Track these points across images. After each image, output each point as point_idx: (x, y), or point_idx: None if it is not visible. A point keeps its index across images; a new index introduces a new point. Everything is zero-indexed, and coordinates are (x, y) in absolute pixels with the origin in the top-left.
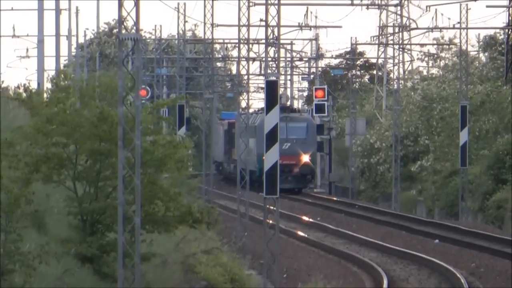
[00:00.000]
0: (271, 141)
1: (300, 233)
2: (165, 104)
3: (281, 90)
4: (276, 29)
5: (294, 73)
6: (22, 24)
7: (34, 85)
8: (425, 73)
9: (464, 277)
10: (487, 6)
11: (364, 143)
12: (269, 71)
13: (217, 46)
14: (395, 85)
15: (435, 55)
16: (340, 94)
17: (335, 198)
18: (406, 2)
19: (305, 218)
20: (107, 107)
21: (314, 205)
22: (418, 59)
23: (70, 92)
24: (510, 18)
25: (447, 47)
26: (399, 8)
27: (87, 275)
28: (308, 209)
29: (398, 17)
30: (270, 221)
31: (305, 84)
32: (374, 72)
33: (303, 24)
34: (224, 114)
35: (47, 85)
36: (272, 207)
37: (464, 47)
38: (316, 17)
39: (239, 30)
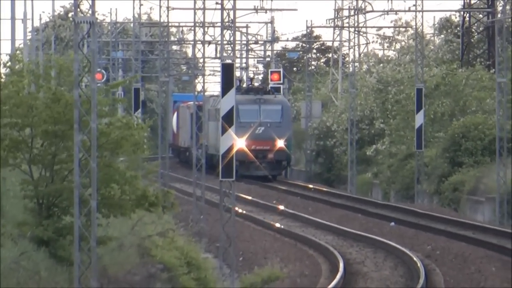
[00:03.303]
0: (226, 124)
1: (257, 217)
2: (119, 85)
3: (246, 73)
4: (231, 12)
5: (250, 56)
6: None
7: None
8: (380, 56)
9: (420, 259)
10: None
11: (320, 126)
12: (224, 54)
13: (173, 29)
14: (351, 68)
15: (391, 38)
16: (296, 77)
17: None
18: None
19: (261, 201)
20: (59, 88)
21: (270, 188)
22: (373, 42)
23: (23, 75)
24: (465, 0)
25: (403, 29)
26: None
27: (43, 258)
28: (265, 192)
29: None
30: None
31: (261, 67)
32: (330, 55)
33: (259, 7)
34: (175, 95)
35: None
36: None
37: (420, 30)
38: (271, 0)
39: (195, 13)
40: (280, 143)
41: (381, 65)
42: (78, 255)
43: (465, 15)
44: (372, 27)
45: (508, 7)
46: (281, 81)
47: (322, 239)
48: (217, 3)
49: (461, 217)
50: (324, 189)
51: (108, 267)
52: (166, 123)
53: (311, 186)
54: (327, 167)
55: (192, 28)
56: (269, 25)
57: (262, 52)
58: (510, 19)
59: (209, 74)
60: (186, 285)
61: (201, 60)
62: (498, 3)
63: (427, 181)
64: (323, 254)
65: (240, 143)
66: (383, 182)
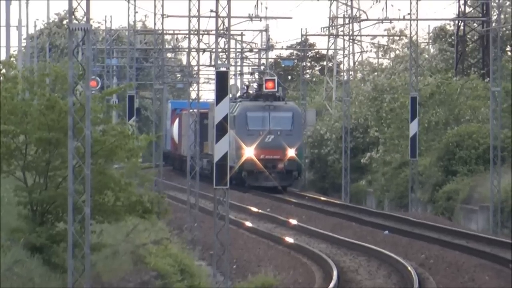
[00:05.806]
0: (221, 132)
1: (250, 224)
2: (114, 92)
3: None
4: (226, 20)
5: (244, 64)
6: None
7: None
8: (375, 64)
9: (413, 268)
10: None
11: (314, 134)
12: (219, 62)
13: (168, 37)
14: (345, 76)
15: (386, 46)
16: (291, 85)
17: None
18: None
19: (254, 209)
20: (54, 95)
21: (264, 196)
22: (369, 51)
23: (17, 81)
24: (460, 9)
25: (398, 38)
26: None
27: (36, 265)
28: (258, 200)
29: (349, 8)
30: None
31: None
32: (325, 63)
33: (254, 15)
34: (174, 103)
35: None
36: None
37: (414, 38)
38: (266, 8)
39: (189, 21)
40: (291, 152)
41: (375, 73)
42: (71, 262)
43: (459, 24)
44: (366, 35)
45: (502, 16)
46: (276, 89)
47: (316, 247)
48: (211, 11)
49: (455, 225)
50: (318, 197)
51: (101, 274)
52: (161, 131)
53: (301, 193)
54: (321, 175)
55: (187, 36)
56: (264, 33)
57: (257, 60)
58: (504, 28)
59: (204, 82)
60: None
61: (196, 68)
62: (492, 12)
63: (421, 190)
64: (317, 262)
65: (248, 152)
66: (377, 191)
